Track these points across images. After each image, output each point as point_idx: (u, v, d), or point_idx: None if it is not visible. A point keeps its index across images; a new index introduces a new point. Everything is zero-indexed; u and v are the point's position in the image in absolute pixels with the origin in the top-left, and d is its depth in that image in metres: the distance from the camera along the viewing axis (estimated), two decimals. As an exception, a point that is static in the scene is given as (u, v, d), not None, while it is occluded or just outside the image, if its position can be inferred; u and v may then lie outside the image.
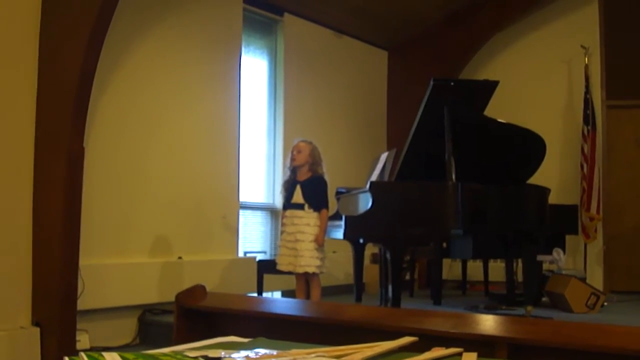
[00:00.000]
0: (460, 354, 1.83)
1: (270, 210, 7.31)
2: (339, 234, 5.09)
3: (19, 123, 4.61)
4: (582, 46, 7.92)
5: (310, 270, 5.11)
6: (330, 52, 8.03)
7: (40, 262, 4.60)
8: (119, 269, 5.40)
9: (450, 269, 8.14)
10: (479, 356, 1.79)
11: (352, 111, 8.28)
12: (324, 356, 1.77)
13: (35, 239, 4.62)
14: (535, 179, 5.42)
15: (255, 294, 5.88)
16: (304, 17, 7.64)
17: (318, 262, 5.13)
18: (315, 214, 5.17)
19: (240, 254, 6.76)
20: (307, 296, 5.27)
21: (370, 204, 4.81)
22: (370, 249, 7.36)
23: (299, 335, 2.19)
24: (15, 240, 4.55)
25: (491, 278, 7.54)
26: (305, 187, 5.23)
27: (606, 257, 7.86)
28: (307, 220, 5.15)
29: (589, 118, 7.77)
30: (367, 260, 7.08)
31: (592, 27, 8.05)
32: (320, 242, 5.14)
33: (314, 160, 5.29)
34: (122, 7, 4.92)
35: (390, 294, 4.98)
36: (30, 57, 4.65)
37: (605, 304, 6.10)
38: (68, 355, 1.66)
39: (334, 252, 6.71)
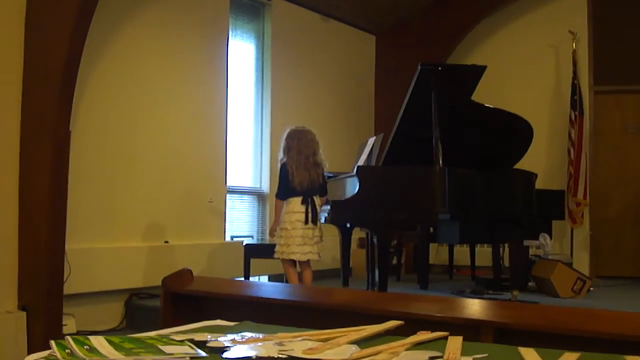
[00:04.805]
0: (446, 338, 1.84)
1: (257, 195, 7.30)
2: (326, 218, 5.10)
3: (4, 107, 4.57)
4: (570, 31, 7.92)
5: (296, 257, 5.11)
6: (318, 36, 8.00)
7: (27, 246, 4.58)
8: (105, 253, 5.39)
9: (437, 253, 8.16)
10: (464, 340, 1.80)
11: (339, 96, 8.26)
12: (310, 340, 1.78)
13: (22, 223, 4.60)
14: (522, 164, 5.44)
15: (242, 278, 5.88)
16: (292, 1, 7.60)
17: (308, 249, 5.12)
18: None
19: (227, 238, 6.76)
20: (298, 280, 5.29)
21: (357, 188, 4.80)
22: (358, 234, 7.36)
23: (285, 319, 2.19)
24: (1, 224, 4.53)
25: (478, 263, 7.55)
26: None
27: (592, 242, 7.90)
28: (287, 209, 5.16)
29: (576, 103, 7.78)
30: (354, 245, 7.07)
31: (580, 12, 8.04)
32: (272, 233, 5.20)
33: (283, 148, 5.25)
34: (108, -11, 4.88)
35: (377, 278, 4.98)
36: (16, 40, 4.60)
37: (592, 289, 6.14)
38: (54, 340, 1.65)
39: (321, 236, 6.70)
